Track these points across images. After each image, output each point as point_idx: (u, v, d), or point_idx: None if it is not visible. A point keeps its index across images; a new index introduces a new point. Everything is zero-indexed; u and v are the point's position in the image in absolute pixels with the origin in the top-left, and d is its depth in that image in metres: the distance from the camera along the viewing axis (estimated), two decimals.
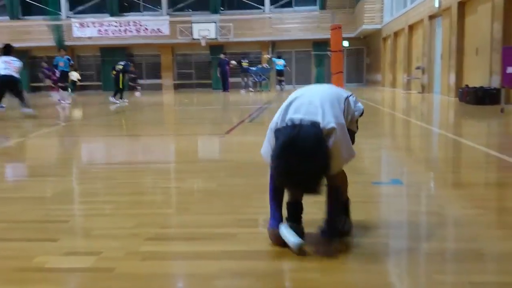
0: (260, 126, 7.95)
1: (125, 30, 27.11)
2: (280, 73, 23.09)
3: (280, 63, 22.99)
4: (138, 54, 28.63)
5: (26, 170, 4.52)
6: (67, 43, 27.27)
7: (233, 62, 22.92)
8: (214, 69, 25.72)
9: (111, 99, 14.98)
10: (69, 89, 25.99)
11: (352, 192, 3.14)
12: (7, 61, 9.78)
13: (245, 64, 22.83)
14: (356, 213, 2.67)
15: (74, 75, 26.03)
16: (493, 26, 10.83)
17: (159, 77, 28.48)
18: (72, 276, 1.92)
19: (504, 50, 9.09)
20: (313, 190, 1.86)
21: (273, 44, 27.90)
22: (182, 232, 2.44)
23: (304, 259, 2.00)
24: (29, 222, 2.66)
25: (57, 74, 16.03)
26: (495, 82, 10.74)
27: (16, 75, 9.78)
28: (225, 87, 23.09)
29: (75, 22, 27.19)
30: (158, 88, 27.75)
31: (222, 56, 23.23)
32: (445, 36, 14.96)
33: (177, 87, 28.63)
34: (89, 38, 27.24)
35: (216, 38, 26.44)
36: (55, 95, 17.19)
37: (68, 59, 16.15)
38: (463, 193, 3.12)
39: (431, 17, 16.26)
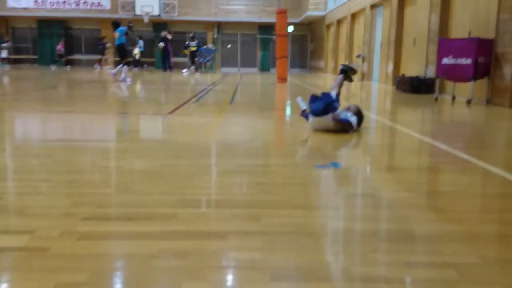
0: (204, 107, 7.89)
1: (63, 2, 25.87)
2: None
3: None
4: (77, 28, 27.47)
5: None
6: (0, 13, 25.70)
7: (161, 44, 22.50)
8: (157, 47, 25.15)
9: (196, 75, 17.96)
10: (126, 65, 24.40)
11: (294, 174, 3.22)
12: None
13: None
14: (297, 195, 2.72)
15: (135, 50, 24.13)
16: (430, 18, 11.26)
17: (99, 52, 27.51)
18: (3, 255, 1.84)
19: (440, 42, 9.49)
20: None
21: (219, 25, 27.61)
22: (121, 212, 2.39)
23: (245, 239, 2.02)
24: None
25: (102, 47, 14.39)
26: (431, 72, 11.22)
27: None
28: (168, 66, 22.66)
29: None
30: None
31: (164, 33, 22.71)
32: (384, 26, 15.41)
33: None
34: (25, 9, 25.77)
35: (159, 15, 25.82)
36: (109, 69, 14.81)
37: (126, 29, 13.28)
38: (396, 177, 3.25)
39: (373, 6, 16.67)
